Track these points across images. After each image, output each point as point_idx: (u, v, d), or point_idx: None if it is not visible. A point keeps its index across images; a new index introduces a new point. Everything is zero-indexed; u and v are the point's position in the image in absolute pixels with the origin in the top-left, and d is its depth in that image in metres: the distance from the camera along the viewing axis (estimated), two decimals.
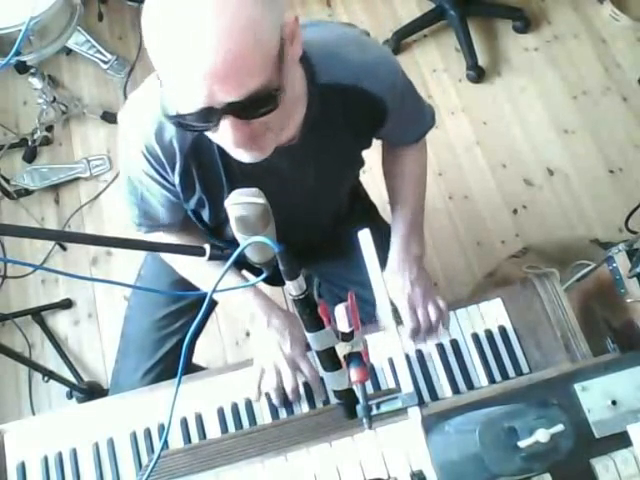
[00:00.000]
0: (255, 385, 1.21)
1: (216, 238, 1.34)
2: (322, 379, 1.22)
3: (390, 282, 1.28)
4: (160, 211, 1.19)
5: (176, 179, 1.09)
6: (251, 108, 0.84)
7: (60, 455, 1.18)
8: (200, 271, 1.23)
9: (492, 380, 1.22)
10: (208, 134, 0.94)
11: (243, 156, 0.94)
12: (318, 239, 1.41)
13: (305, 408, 1.21)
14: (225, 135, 0.86)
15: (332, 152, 1.13)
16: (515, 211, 2.33)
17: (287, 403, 1.21)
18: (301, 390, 1.22)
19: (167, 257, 1.32)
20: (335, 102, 1.06)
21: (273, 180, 1.09)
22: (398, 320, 1.26)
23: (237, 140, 0.87)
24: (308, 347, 1.22)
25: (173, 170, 1.07)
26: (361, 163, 1.28)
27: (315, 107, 1.04)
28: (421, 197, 1.38)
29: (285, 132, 1.01)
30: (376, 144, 1.28)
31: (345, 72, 1.04)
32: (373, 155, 1.34)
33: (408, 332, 1.25)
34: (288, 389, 1.20)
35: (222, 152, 1.05)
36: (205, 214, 1.20)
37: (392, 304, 1.25)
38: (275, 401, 1.21)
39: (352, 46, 1.07)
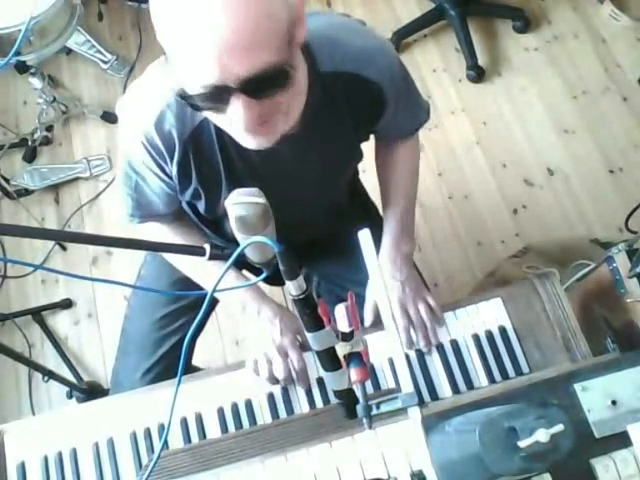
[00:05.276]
0: (252, 373, 1.22)
1: (215, 234, 1.34)
2: (319, 377, 1.22)
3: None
4: (154, 201, 1.19)
5: (174, 169, 1.08)
6: (264, 85, 0.83)
7: (60, 455, 1.18)
8: (200, 268, 1.23)
9: (492, 380, 1.22)
10: (213, 118, 0.93)
11: (249, 141, 0.93)
12: (318, 237, 1.40)
13: (305, 408, 1.21)
14: (235, 116, 0.85)
15: (334, 142, 1.13)
16: (515, 211, 2.33)
17: (286, 397, 1.22)
18: (294, 376, 1.21)
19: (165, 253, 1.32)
20: (336, 90, 1.06)
21: (275, 173, 1.09)
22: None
23: (247, 121, 0.85)
24: (304, 346, 1.23)
25: (172, 160, 1.07)
26: (360, 155, 1.27)
27: (317, 96, 1.03)
28: (413, 193, 1.37)
29: (290, 119, 0.99)
30: (371, 142, 1.28)
31: (345, 59, 1.04)
32: (372, 155, 1.34)
33: (401, 331, 1.24)
34: (280, 377, 1.20)
35: (222, 146, 1.05)
36: (201, 206, 1.20)
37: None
38: (269, 383, 1.21)
39: (352, 34, 1.07)
